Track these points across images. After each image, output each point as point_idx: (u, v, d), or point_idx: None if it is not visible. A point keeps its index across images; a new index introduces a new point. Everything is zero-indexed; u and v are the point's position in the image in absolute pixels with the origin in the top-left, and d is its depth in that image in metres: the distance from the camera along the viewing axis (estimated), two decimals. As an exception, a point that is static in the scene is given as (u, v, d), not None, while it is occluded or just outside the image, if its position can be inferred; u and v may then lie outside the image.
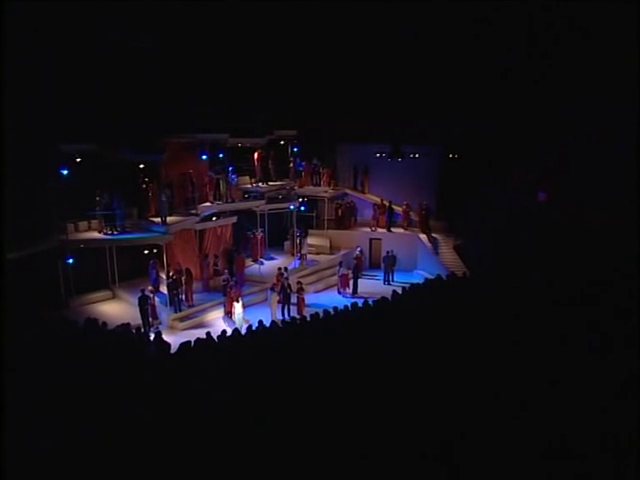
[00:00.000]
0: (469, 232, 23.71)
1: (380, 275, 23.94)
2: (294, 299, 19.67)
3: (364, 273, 24.41)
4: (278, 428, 7.01)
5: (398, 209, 25.86)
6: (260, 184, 23.38)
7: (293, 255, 23.96)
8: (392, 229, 25.74)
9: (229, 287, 18.97)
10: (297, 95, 24.34)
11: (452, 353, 9.34)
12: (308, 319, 14.09)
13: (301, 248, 23.65)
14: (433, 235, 25.19)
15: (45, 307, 16.87)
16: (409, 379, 8.38)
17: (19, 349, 10.17)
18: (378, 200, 26.16)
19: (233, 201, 21.59)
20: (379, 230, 25.85)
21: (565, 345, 9.24)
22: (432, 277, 18.59)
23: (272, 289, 19.56)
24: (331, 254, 25.10)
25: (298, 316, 17.84)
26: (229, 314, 18.88)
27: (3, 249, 9.97)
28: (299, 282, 19.97)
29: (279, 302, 19.30)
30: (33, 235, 16.74)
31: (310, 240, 25.42)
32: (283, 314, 19.06)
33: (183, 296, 18.95)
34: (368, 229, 26.09)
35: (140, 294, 17.36)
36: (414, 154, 25.83)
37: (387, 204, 25.71)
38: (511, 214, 20.07)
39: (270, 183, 23.85)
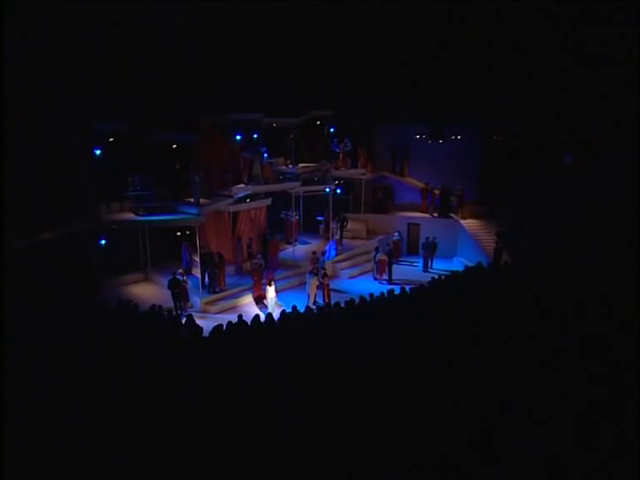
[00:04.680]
0: (512, 218, 22.68)
1: (419, 261, 23.17)
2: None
3: (402, 259, 23.71)
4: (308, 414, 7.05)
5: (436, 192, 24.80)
6: (293, 165, 22.86)
7: (328, 240, 23.38)
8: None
9: (260, 270, 18.60)
10: (335, 75, 23.60)
11: (491, 343, 8.98)
12: (334, 305, 13.87)
13: (336, 233, 23.06)
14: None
15: (78, 288, 16.91)
16: (446, 369, 8.17)
17: (51, 330, 10.23)
18: (418, 183, 25.29)
19: (267, 183, 21.11)
20: (420, 215, 24.96)
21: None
22: (472, 264, 18.01)
23: (311, 273, 18.91)
24: (368, 239, 24.42)
25: (325, 302, 17.70)
26: (258, 299, 18.54)
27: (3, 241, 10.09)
28: (323, 268, 19.24)
29: (318, 287, 18.68)
30: (67, 216, 16.71)
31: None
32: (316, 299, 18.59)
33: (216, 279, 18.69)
34: (410, 214, 25.19)
35: (171, 277, 17.16)
36: (455, 136, 24.71)
37: (430, 188, 24.80)
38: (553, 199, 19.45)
39: (304, 165, 23.28)
